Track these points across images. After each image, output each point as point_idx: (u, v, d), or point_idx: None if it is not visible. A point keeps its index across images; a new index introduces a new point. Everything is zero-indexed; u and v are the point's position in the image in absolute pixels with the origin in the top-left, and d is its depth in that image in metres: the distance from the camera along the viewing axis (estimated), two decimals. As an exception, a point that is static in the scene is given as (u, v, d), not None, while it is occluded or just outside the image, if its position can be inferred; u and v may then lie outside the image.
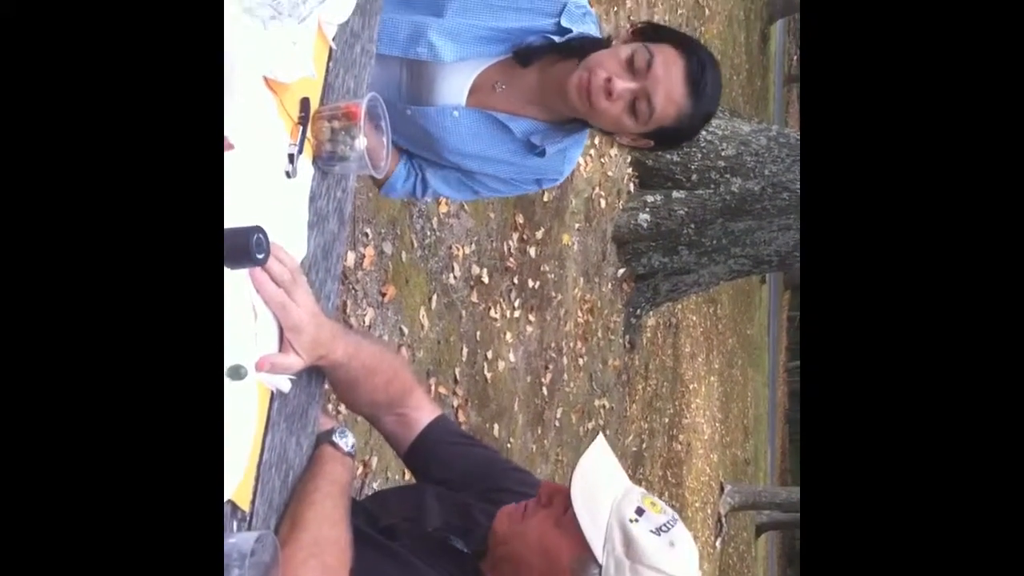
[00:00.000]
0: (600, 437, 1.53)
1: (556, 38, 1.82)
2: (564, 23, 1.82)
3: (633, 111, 1.73)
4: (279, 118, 1.40)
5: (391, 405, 1.63)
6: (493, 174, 1.96)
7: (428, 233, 4.14)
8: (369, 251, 3.64)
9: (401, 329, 3.92)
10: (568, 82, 1.76)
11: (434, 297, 4.20)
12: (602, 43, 1.82)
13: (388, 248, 3.79)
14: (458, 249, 4.41)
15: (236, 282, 1.25)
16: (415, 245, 4.02)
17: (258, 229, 1.12)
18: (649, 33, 1.79)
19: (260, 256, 1.11)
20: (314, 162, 1.50)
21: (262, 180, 1.34)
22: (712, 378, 11.33)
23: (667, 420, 8.69)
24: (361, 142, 1.50)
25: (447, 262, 4.31)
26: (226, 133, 1.23)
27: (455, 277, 4.38)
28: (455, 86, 1.86)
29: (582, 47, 1.80)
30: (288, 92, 1.42)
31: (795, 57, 20.73)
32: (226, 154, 1.23)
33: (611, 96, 1.71)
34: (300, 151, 1.43)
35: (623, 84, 1.71)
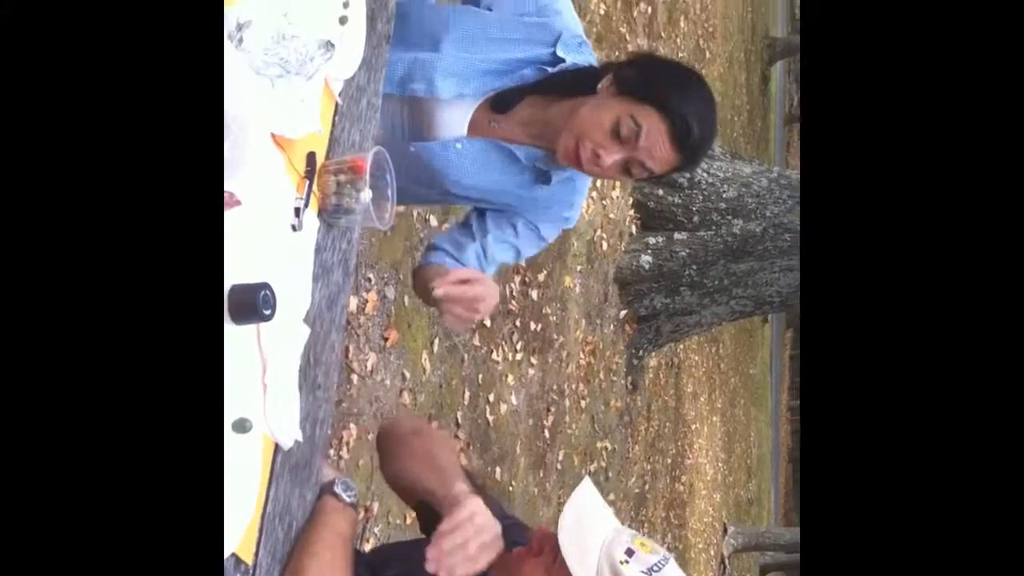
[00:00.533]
0: (586, 479, 1.53)
1: (550, 68, 1.81)
2: (560, 52, 1.81)
3: (627, 172, 1.75)
4: (286, 173, 1.42)
5: None
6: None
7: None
8: (372, 296, 3.65)
9: (403, 373, 3.92)
10: (556, 144, 1.76)
11: (436, 341, 4.21)
12: (589, 78, 1.79)
13: (391, 293, 3.81)
14: (461, 292, 4.41)
15: (242, 336, 1.26)
16: (418, 289, 4.03)
17: (265, 286, 1.13)
18: (632, 86, 1.74)
19: (267, 312, 1.13)
20: (320, 215, 1.52)
21: (269, 235, 1.35)
22: (715, 418, 11.29)
23: (669, 461, 8.66)
24: (366, 195, 1.51)
25: (449, 305, 4.30)
26: (234, 190, 1.26)
27: (457, 320, 4.38)
28: (454, 121, 1.85)
29: (570, 84, 1.80)
30: (295, 147, 1.44)
31: (795, 98, 20.86)
32: (234, 210, 1.25)
33: (600, 166, 1.73)
34: (306, 205, 1.45)
35: (610, 157, 1.72)
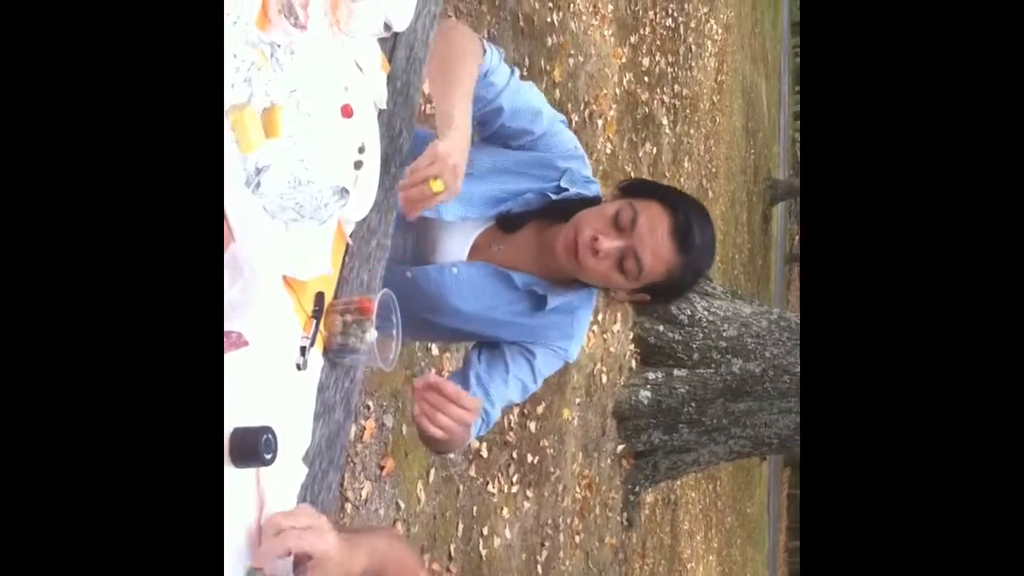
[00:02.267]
0: None
1: (553, 195, 1.84)
2: (563, 184, 1.85)
3: (621, 268, 1.72)
4: (294, 313, 1.44)
5: None
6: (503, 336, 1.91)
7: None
8: (370, 424, 3.64)
9: (398, 503, 3.88)
10: (557, 243, 1.77)
11: (432, 471, 4.17)
12: (593, 202, 1.83)
13: (389, 421, 3.80)
14: (458, 422, 4.39)
15: (241, 475, 1.26)
16: (416, 418, 4.02)
17: (267, 430, 1.14)
18: (635, 189, 1.79)
19: (268, 456, 1.13)
20: (324, 354, 1.54)
21: (274, 374, 1.37)
22: (711, 557, 11.09)
23: (664, 601, 8.47)
24: (372, 335, 1.53)
25: (447, 435, 4.29)
26: (241, 330, 1.28)
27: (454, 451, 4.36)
28: (457, 244, 1.87)
29: (572, 207, 1.81)
30: (304, 287, 1.47)
31: (796, 238, 21.14)
32: (241, 351, 1.27)
33: (597, 254, 1.71)
34: (312, 344, 1.47)
35: (608, 243, 1.70)
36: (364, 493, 3.64)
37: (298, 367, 1.45)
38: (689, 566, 9.65)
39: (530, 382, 1.93)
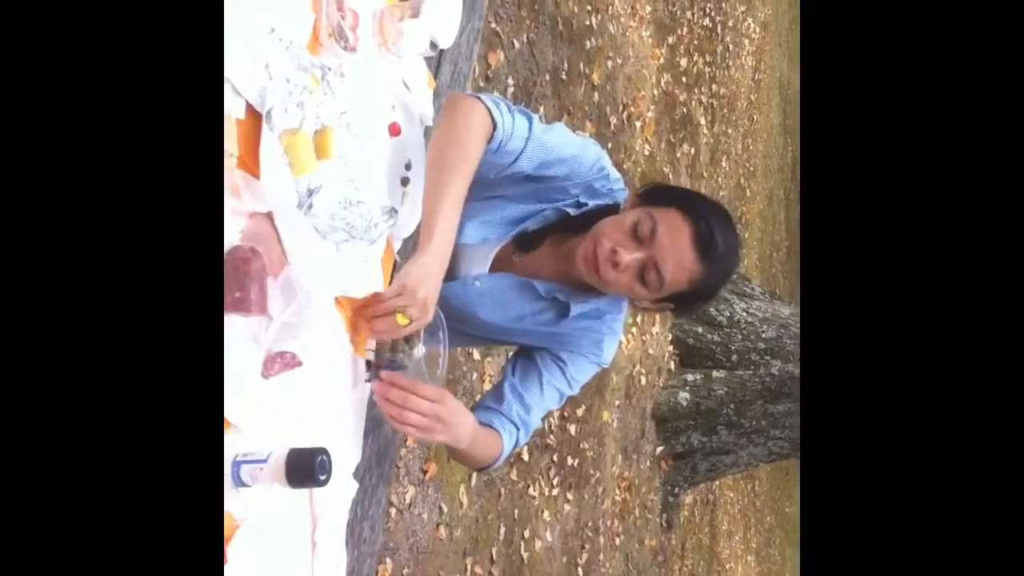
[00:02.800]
0: None
1: (572, 211, 1.81)
2: (582, 199, 1.82)
3: (643, 279, 1.68)
4: (345, 331, 1.46)
5: None
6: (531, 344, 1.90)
7: (469, 404, 4.17)
8: (412, 428, 3.67)
9: (441, 507, 3.91)
10: (576, 254, 1.74)
11: (474, 475, 4.20)
12: (613, 210, 1.79)
13: (431, 426, 3.82)
14: (500, 426, 4.41)
15: (297, 494, 1.29)
16: (457, 422, 4.04)
17: (322, 451, 1.17)
18: (653, 196, 1.74)
19: (323, 478, 1.15)
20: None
21: (326, 393, 1.39)
22: (749, 557, 11.04)
23: (703, 602, 8.45)
24: (419, 351, 1.55)
25: (488, 439, 4.31)
26: (295, 351, 1.30)
27: (496, 454, 4.38)
28: (478, 259, 1.87)
29: (594, 219, 1.77)
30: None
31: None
32: (294, 371, 1.29)
33: (617, 267, 1.67)
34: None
35: (628, 255, 1.66)
36: (408, 497, 3.67)
37: (368, 380, 1.47)
38: (728, 566, 9.61)
39: (566, 388, 1.92)
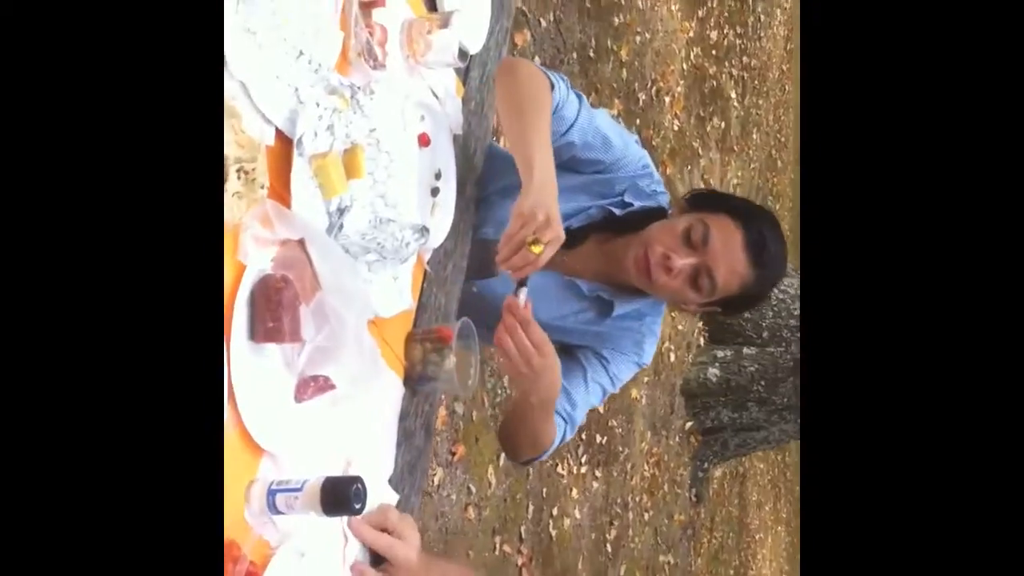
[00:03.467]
0: None
1: (617, 211, 1.83)
2: (627, 199, 1.83)
3: (695, 285, 1.70)
4: (377, 350, 1.47)
5: None
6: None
7: (499, 391, 4.20)
8: (441, 411, 3.70)
9: (469, 488, 3.95)
10: (626, 259, 1.75)
11: (502, 455, 4.23)
12: (659, 214, 1.81)
13: (459, 408, 3.85)
14: (528, 406, 4.43)
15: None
16: (486, 403, 4.08)
17: (357, 480, 1.18)
18: (703, 202, 1.76)
19: (357, 507, 1.17)
20: (404, 382, 1.57)
21: (359, 412, 1.41)
22: (779, 527, 11.06)
23: (732, 572, 8.49)
24: (451, 363, 1.56)
25: (517, 420, 4.33)
26: (329, 374, 1.31)
27: (524, 434, 4.40)
28: None
29: (638, 221, 1.79)
30: (385, 322, 1.50)
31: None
32: (328, 394, 1.31)
33: (670, 272, 1.69)
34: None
35: (681, 260, 1.68)
36: (436, 479, 3.71)
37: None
38: (757, 536, 9.64)
39: (609, 385, 1.94)
